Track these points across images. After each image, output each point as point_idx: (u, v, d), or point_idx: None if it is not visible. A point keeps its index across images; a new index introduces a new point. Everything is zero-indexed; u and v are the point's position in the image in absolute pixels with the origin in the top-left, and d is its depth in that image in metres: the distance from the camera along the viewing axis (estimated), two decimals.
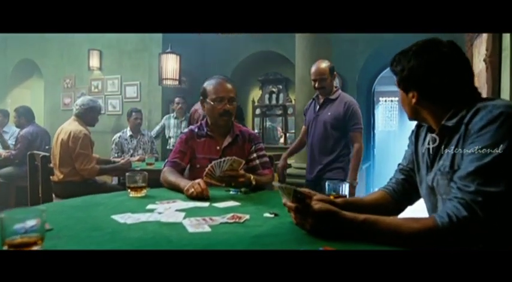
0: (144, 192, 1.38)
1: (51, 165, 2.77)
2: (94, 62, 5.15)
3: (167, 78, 3.81)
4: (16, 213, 0.72)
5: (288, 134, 5.80)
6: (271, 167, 1.83)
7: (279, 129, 6.21)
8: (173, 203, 1.22)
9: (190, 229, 0.92)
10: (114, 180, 3.73)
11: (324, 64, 2.45)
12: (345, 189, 1.33)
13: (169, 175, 1.57)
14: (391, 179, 1.17)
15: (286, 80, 5.73)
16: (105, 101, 5.23)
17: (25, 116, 4.03)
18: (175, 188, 1.48)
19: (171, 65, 3.81)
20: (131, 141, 3.84)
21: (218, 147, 1.71)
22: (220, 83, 1.69)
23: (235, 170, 1.44)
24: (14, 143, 4.04)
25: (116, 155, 3.77)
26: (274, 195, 1.50)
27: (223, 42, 5.50)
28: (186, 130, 1.79)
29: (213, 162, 1.41)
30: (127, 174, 1.38)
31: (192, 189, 1.32)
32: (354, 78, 5.00)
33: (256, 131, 6.02)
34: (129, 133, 3.85)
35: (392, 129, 8.76)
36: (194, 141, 1.73)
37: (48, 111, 5.80)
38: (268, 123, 6.09)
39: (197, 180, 1.37)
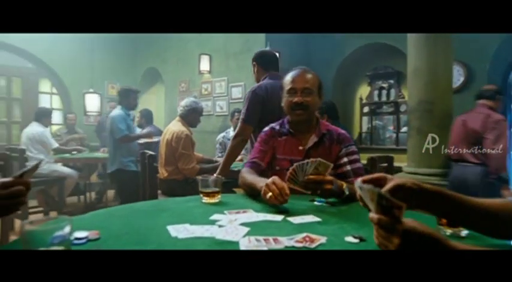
0: (218, 198, 1.27)
1: (158, 163, 2.98)
2: (204, 65, 5.47)
3: None
4: (42, 225, 0.67)
5: (399, 134, 5.16)
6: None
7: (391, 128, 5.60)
8: (243, 214, 1.07)
9: None
10: None
11: None
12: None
13: (247, 176, 1.41)
14: None
15: (398, 74, 5.10)
16: (214, 102, 5.51)
17: (145, 117, 4.64)
18: (253, 191, 1.31)
19: None
20: None
21: (301, 147, 1.52)
22: (295, 74, 1.53)
23: (321, 174, 1.20)
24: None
25: (220, 154, 3.89)
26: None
27: (327, 38, 5.22)
28: (266, 128, 1.64)
29: (295, 165, 1.19)
30: (199, 177, 1.29)
31: (270, 193, 1.13)
32: (483, 67, 4.15)
33: (364, 130, 5.56)
34: (232, 133, 3.93)
35: None
36: (275, 140, 1.56)
37: (167, 113, 6.42)
38: (375, 122, 5.53)
39: (272, 179, 1.16)
